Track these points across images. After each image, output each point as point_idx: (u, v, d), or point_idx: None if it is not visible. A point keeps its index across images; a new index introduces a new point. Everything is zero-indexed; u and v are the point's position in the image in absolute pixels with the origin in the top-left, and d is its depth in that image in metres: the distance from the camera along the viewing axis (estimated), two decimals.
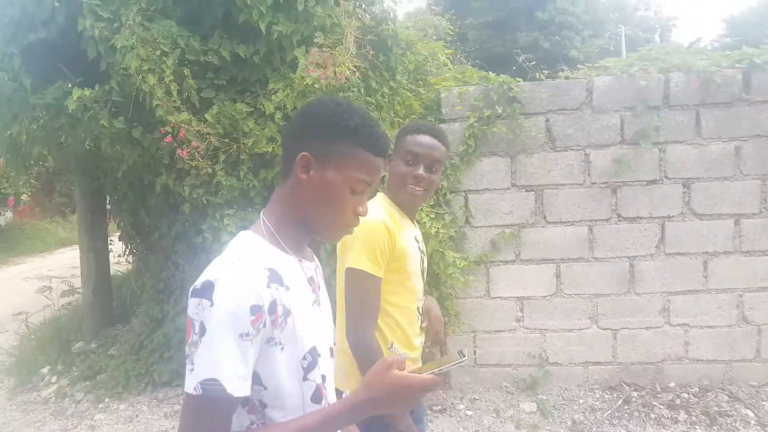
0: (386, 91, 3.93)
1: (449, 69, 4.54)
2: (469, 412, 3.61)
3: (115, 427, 3.61)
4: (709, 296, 3.69)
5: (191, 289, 0.95)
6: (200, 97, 3.53)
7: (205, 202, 3.47)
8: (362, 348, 1.55)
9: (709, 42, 19.71)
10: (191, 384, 0.91)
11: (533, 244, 3.71)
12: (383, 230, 1.57)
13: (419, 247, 1.75)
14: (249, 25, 3.52)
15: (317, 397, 1.08)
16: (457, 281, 3.43)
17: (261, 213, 1.11)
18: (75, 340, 4.98)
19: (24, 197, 11.57)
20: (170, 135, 3.23)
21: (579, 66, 3.81)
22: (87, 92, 3.30)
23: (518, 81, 3.63)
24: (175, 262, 4.14)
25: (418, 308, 1.74)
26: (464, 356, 1.07)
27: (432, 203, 3.54)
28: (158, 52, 3.31)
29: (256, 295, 0.93)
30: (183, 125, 3.25)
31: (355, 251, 1.56)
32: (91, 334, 4.89)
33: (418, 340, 1.76)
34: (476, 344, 3.79)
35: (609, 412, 3.53)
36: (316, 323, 1.11)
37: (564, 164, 3.65)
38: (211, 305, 0.91)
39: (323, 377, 1.10)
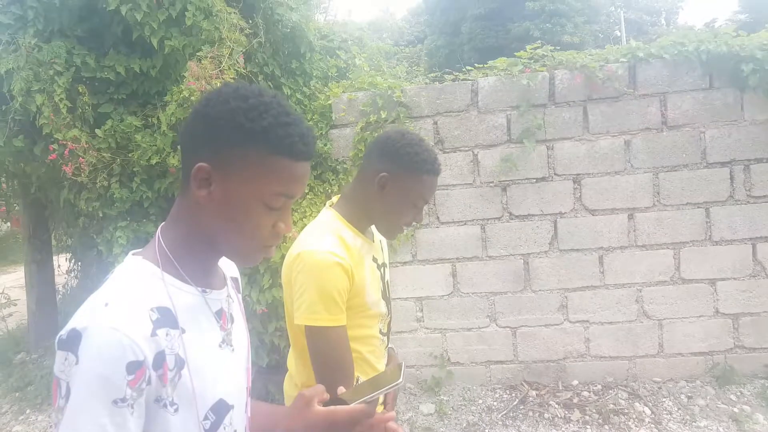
0: (300, 96, 4.02)
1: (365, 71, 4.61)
2: None
3: None
4: (607, 292, 3.67)
5: (57, 338, 0.75)
6: (99, 113, 3.67)
7: (101, 215, 3.60)
8: None
9: (724, 21, 19.33)
10: None
11: (429, 245, 3.73)
12: (339, 273, 1.35)
13: (378, 266, 1.57)
14: (145, 40, 3.65)
15: None
16: None
17: (157, 231, 0.90)
18: (21, 350, 5.16)
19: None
20: (55, 153, 3.36)
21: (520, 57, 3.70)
22: None
23: (406, 85, 3.68)
24: (98, 275, 4.28)
25: (380, 330, 1.57)
26: (399, 379, 0.92)
27: (315, 208, 3.60)
28: (51, 72, 3.46)
29: (135, 349, 0.73)
30: (71, 141, 3.38)
31: (309, 302, 1.35)
32: (34, 345, 5.06)
33: (382, 363, 1.60)
34: None
35: (504, 412, 3.53)
36: (226, 368, 0.91)
37: (454, 165, 3.67)
38: (77, 363, 0.72)
39: None
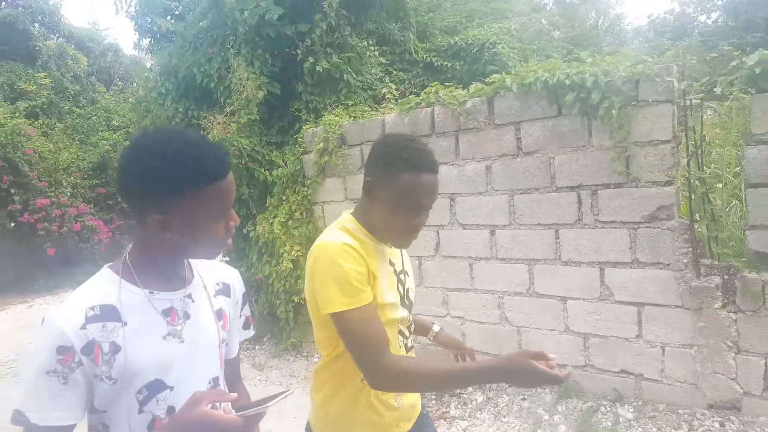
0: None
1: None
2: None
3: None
4: (476, 295, 4.23)
5: None
6: None
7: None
8: (395, 379, 1.35)
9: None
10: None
11: None
12: (351, 256, 1.38)
13: (394, 271, 1.57)
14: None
15: (152, 429, 1.09)
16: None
17: (126, 250, 1.15)
18: None
19: None
20: None
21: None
22: None
23: (344, 121, 4.92)
24: None
25: (401, 332, 1.56)
26: (271, 402, 1.03)
27: (286, 210, 5.18)
28: (176, 120, 5.99)
29: (64, 337, 1.00)
30: None
31: (328, 291, 1.37)
32: None
33: None
34: None
35: None
36: (170, 356, 1.11)
37: None
38: (35, 340, 1.02)
39: (171, 410, 1.10)
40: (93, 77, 15.69)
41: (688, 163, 3.22)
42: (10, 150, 9.86)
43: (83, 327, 1.03)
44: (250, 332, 1.44)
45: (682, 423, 3.21)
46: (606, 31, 17.84)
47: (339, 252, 1.38)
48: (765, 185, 2.93)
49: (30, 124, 11.03)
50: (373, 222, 1.49)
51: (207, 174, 1.06)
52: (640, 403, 3.47)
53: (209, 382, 1.18)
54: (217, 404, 1.07)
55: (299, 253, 5.05)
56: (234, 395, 1.06)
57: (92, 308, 1.05)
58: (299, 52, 5.65)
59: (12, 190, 10.01)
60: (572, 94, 3.50)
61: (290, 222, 5.14)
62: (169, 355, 1.11)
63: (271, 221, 5.19)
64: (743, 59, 2.92)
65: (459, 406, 3.94)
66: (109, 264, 1.16)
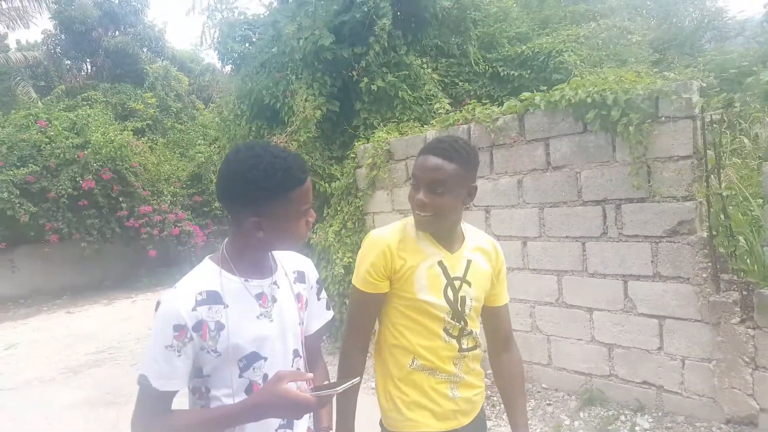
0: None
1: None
2: None
3: None
4: (509, 303, 4.39)
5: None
6: None
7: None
8: (341, 361, 1.68)
9: None
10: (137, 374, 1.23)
11: None
12: (381, 245, 1.61)
13: (447, 273, 1.66)
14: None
15: (250, 391, 1.30)
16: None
17: (223, 243, 1.38)
18: None
19: None
20: None
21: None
22: None
23: (392, 138, 5.28)
24: None
25: (446, 330, 1.66)
26: (340, 386, 1.18)
27: (340, 220, 5.61)
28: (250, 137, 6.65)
29: (179, 317, 1.22)
30: None
31: (355, 269, 1.68)
32: None
33: (450, 367, 1.69)
34: None
35: None
36: (263, 332, 1.33)
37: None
38: (155, 319, 1.23)
39: (266, 376, 1.32)
40: (193, 95, 17.24)
41: (706, 179, 3.25)
42: (119, 162, 11.19)
43: (194, 309, 1.25)
44: (330, 313, 1.64)
45: None
46: (706, 27, 16.75)
47: (372, 243, 1.65)
48: None
49: (137, 140, 12.39)
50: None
51: (292, 181, 1.27)
52: (660, 414, 3.51)
53: (292, 353, 1.41)
54: (296, 383, 1.25)
55: (350, 259, 5.46)
56: (310, 375, 1.27)
57: (200, 293, 1.27)
58: (355, 73, 6.09)
59: (120, 198, 11.33)
60: (593, 111, 3.64)
61: (343, 231, 5.57)
62: (262, 331, 1.33)
63: (326, 230, 5.65)
64: (760, 76, 2.95)
65: (487, 407, 4.14)
66: (210, 255, 1.38)
